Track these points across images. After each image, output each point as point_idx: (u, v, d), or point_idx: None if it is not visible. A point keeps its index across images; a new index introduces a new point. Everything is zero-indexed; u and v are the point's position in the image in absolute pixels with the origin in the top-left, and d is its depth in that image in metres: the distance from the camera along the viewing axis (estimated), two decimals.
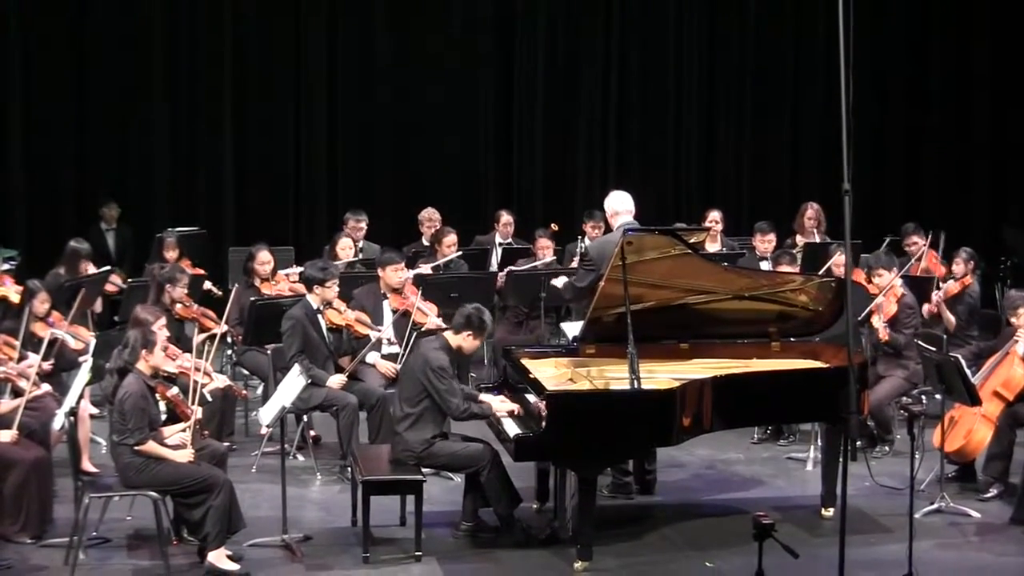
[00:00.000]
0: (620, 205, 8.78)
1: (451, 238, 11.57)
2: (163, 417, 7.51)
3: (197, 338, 9.20)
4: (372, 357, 9.38)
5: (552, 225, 12.30)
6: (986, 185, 16.13)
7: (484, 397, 8.13)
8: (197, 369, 7.85)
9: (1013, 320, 8.91)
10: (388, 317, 9.66)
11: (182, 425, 7.53)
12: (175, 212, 13.97)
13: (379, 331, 9.45)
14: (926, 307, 10.23)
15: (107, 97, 14.31)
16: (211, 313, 10.11)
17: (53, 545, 7.67)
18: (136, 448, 7.21)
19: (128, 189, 14.19)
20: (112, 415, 7.43)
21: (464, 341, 7.95)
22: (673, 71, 15.70)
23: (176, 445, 7.41)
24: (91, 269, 10.68)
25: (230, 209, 14.49)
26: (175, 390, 7.73)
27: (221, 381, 8.63)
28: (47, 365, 8.57)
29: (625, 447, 7.81)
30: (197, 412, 7.58)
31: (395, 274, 9.76)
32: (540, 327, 11.22)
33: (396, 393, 8.24)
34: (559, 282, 9.58)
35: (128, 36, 14.32)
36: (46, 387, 8.36)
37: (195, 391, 7.67)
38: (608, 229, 9.35)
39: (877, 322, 9.50)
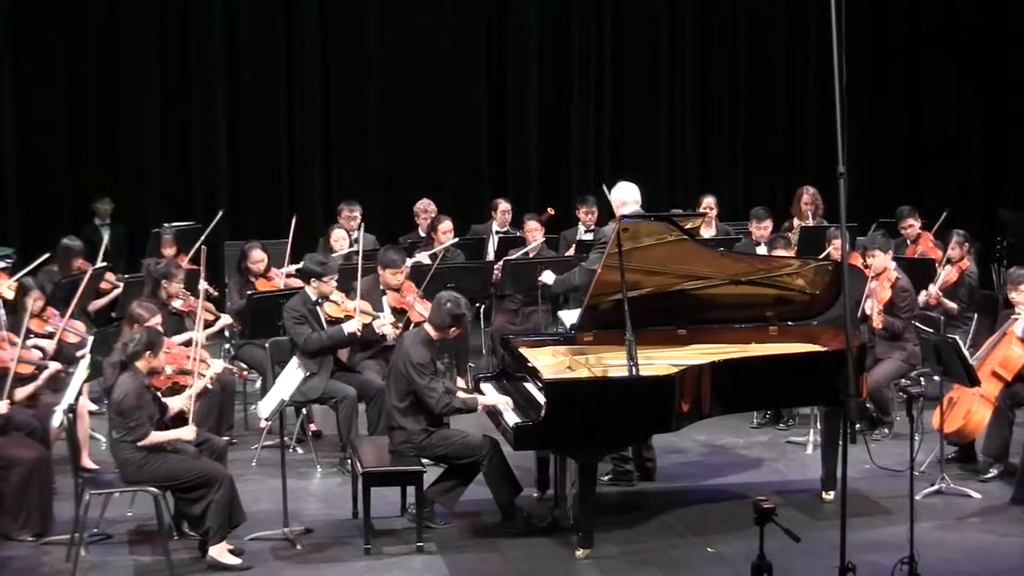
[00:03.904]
0: (627, 195, 8.73)
1: (446, 224, 11.59)
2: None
3: (202, 334, 9.20)
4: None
5: (548, 210, 12.30)
6: (982, 165, 16.14)
7: (483, 387, 8.10)
8: (194, 359, 7.90)
9: (1014, 295, 8.87)
10: (387, 311, 9.70)
11: (182, 396, 7.56)
12: (169, 207, 13.95)
13: (378, 316, 9.51)
14: (923, 295, 10.19)
15: (100, 93, 14.29)
16: (210, 306, 10.12)
17: (55, 542, 7.67)
18: (140, 444, 7.20)
19: (122, 185, 14.17)
20: (110, 412, 7.42)
21: (446, 332, 7.88)
22: (667, 56, 15.71)
23: (176, 412, 7.46)
24: (85, 266, 10.68)
25: (224, 204, 14.43)
26: (169, 371, 7.77)
27: (219, 365, 8.64)
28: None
29: (624, 434, 7.81)
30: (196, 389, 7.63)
31: (394, 277, 9.82)
32: (537, 315, 11.22)
33: (386, 386, 8.23)
34: (548, 278, 9.62)
35: (121, 31, 14.30)
36: (55, 365, 8.38)
37: (196, 389, 7.71)
38: (603, 216, 9.34)
39: (870, 308, 9.49)
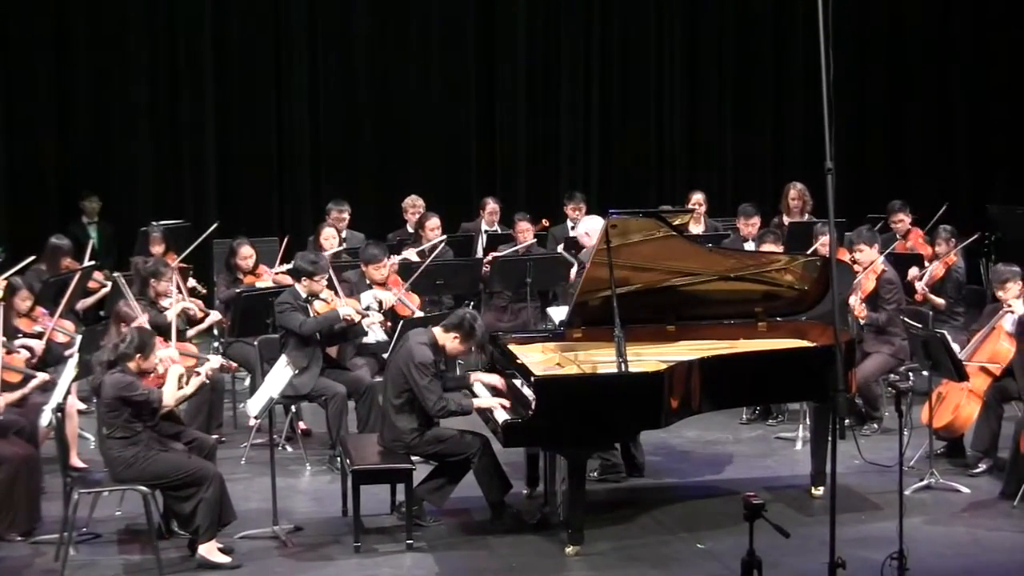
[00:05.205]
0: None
1: (434, 221, 11.62)
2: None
3: (192, 330, 9.21)
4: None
5: (544, 221, 12.36)
6: (969, 160, 16.18)
7: (476, 376, 8.12)
8: (187, 355, 7.93)
9: (1000, 294, 8.89)
10: (373, 304, 9.72)
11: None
12: (157, 205, 13.92)
13: (367, 314, 9.50)
14: (913, 271, 10.22)
15: (88, 91, 14.25)
16: (199, 303, 10.12)
17: (43, 542, 7.65)
18: (158, 403, 7.24)
19: (111, 183, 14.15)
20: (100, 409, 7.40)
21: (450, 342, 7.86)
22: (655, 54, 15.72)
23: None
24: (73, 265, 10.66)
25: (213, 202, 14.44)
26: (161, 370, 7.80)
27: (216, 361, 8.64)
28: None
29: (614, 430, 7.81)
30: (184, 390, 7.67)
31: (377, 272, 9.89)
32: (526, 312, 11.23)
33: (382, 382, 8.22)
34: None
35: (109, 29, 14.26)
36: (43, 376, 8.36)
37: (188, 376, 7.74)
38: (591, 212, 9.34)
39: (853, 300, 9.50)
